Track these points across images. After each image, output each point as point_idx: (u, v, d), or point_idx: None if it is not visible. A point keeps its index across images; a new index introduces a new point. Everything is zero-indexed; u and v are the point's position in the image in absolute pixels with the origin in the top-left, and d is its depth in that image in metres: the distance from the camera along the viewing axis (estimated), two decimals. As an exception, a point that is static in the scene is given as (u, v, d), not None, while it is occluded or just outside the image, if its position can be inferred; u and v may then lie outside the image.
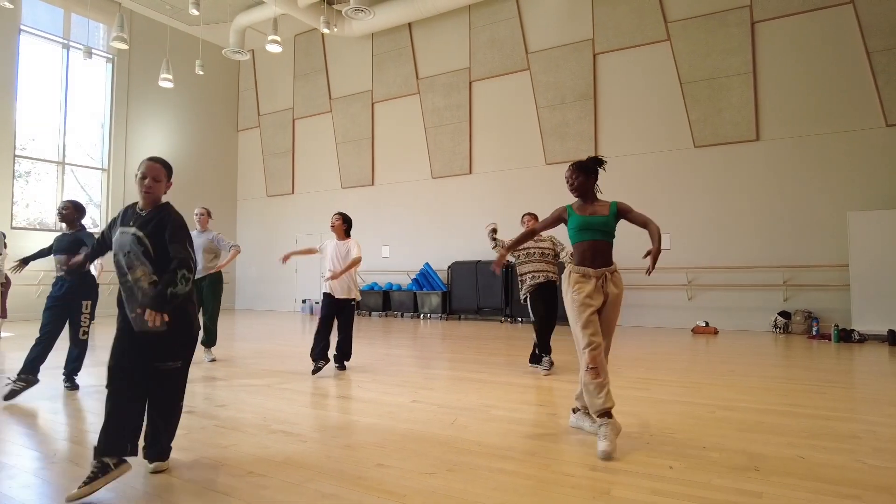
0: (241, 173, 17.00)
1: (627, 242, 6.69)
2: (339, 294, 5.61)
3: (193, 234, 6.11)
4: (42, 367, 4.50)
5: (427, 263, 12.78)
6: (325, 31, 11.48)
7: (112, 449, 2.52)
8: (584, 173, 3.52)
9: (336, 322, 5.67)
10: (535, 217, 5.69)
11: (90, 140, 13.90)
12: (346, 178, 14.72)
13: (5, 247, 8.22)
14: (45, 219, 12.91)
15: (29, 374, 4.36)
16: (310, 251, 6.03)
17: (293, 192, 15.78)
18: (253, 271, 16.29)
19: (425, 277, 12.64)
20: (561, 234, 4.25)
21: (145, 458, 2.75)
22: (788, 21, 9.76)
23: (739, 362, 6.32)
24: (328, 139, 15.04)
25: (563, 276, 3.54)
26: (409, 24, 13.54)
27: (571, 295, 3.36)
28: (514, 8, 12.20)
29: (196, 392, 4.69)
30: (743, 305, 9.96)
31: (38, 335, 4.53)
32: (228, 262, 6.24)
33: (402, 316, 13.02)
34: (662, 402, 4.30)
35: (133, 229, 2.71)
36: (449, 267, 12.45)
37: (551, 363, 5.61)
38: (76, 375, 4.75)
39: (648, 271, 3.33)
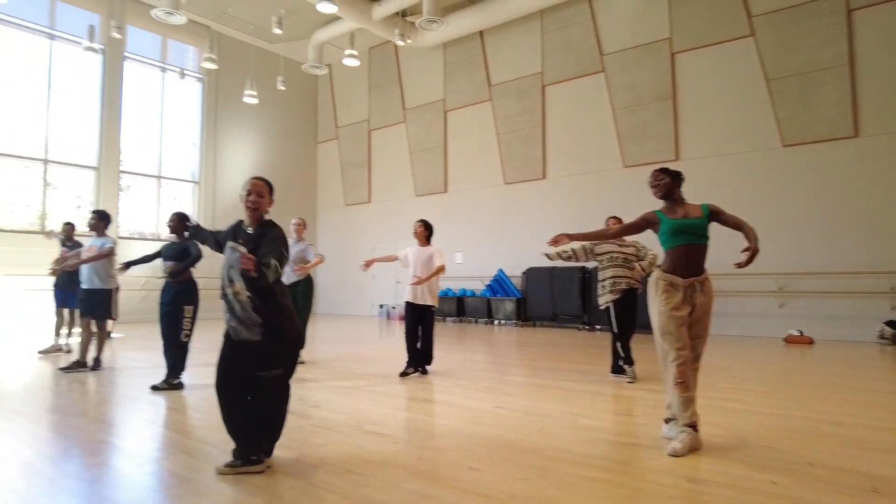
0: (320, 183, 17.70)
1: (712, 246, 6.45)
2: (418, 300, 5.75)
3: (290, 242, 6.48)
4: (155, 367, 4.89)
5: (501, 269, 12.80)
6: (400, 43, 11.79)
7: (246, 449, 2.82)
8: (671, 175, 3.47)
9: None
10: (619, 221, 5.57)
11: (183, 155, 14.92)
12: (420, 186, 15.00)
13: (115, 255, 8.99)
14: (144, 229, 13.95)
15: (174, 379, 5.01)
16: (390, 258, 6.23)
17: (369, 201, 16.25)
18: (333, 277, 16.88)
19: (499, 283, 12.66)
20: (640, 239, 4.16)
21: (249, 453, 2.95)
22: (889, 7, 9.09)
23: (842, 374, 5.93)
24: (402, 148, 15.39)
25: (649, 282, 3.47)
26: (481, 32, 13.65)
27: (659, 305, 3.30)
28: (588, 10, 12.05)
29: (292, 393, 4.94)
30: (842, 314, 9.30)
31: (162, 342, 5.01)
32: (311, 267, 6.52)
33: (475, 322, 13.09)
34: (757, 414, 4.12)
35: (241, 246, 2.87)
36: (523, 273, 12.41)
37: (635, 374, 5.48)
38: (180, 375, 5.12)
39: (741, 264, 3.23)
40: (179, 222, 5.17)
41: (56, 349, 7.45)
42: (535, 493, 2.55)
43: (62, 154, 12.60)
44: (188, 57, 15.01)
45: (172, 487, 2.68)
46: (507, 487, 2.63)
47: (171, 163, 14.57)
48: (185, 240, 5.16)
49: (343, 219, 16.95)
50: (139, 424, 3.92)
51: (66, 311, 7.63)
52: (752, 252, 3.19)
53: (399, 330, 11.64)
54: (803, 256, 9.66)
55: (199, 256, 5.15)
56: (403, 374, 5.64)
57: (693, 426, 3.16)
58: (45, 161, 12.19)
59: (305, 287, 6.53)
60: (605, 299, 5.64)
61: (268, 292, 2.86)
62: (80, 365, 5.88)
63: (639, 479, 2.74)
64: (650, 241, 4.68)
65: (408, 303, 5.81)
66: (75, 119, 12.74)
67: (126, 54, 13.43)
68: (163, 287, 5.17)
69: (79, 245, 7.42)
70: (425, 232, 5.94)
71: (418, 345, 5.79)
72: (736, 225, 3.35)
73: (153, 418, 4.08)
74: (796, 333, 9.16)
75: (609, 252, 5.66)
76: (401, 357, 6.73)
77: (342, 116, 17.00)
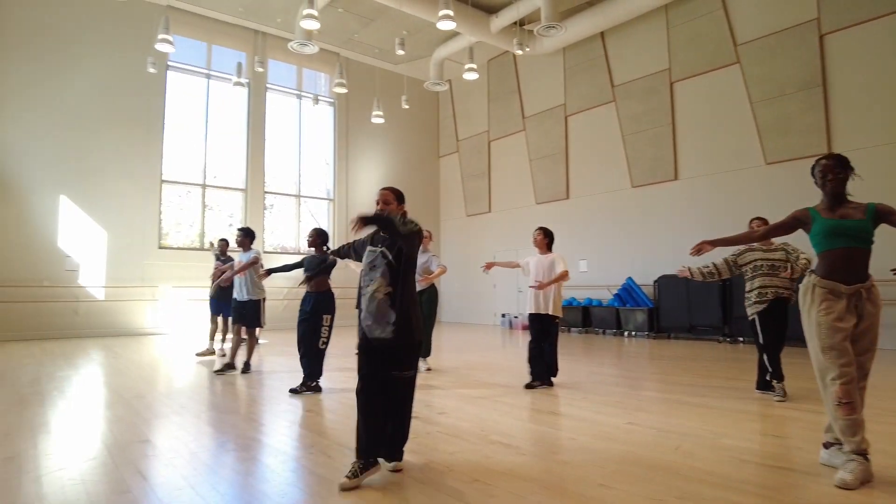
0: (442, 196, 18.16)
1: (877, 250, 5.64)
2: (541, 309, 5.63)
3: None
4: (295, 371, 5.27)
5: (630, 278, 12.23)
6: (518, 52, 11.79)
7: (369, 450, 2.90)
8: (845, 168, 3.06)
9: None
10: (765, 222, 5.04)
11: (319, 174, 16.07)
12: (541, 194, 14.82)
13: (262, 266, 9.88)
14: (287, 243, 15.18)
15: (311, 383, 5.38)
16: (512, 265, 6.22)
17: (490, 211, 16.36)
18: (456, 286, 17.19)
19: (628, 293, 12.10)
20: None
21: (383, 457, 3.07)
22: None
23: None
24: (522, 157, 15.33)
25: (801, 289, 3.11)
26: (602, 33, 13.25)
27: (817, 315, 2.94)
28: (718, 0, 11.23)
29: (418, 399, 5.07)
30: None
31: (299, 348, 5.40)
32: (435, 277, 6.70)
33: (603, 333, 12.62)
34: (946, 443, 3.53)
35: (380, 248, 3.13)
36: (655, 281, 11.75)
37: (785, 391, 4.95)
38: (317, 379, 5.45)
39: None
40: (318, 238, 5.59)
41: (209, 352, 8.34)
42: (673, 517, 2.39)
43: (217, 179, 14.14)
44: (320, 83, 16.17)
45: (313, 485, 2.86)
46: (642, 508, 2.49)
47: (308, 182, 15.76)
48: (324, 253, 5.54)
49: (465, 229, 17.22)
50: (283, 424, 4.24)
51: (219, 319, 8.56)
52: None
53: (522, 339, 11.55)
54: None
55: (333, 263, 5.51)
56: (529, 387, 5.57)
57: (863, 454, 2.78)
58: (204, 185, 13.75)
59: (430, 296, 6.73)
60: (751, 311, 5.16)
61: (404, 288, 3.05)
62: (230, 367, 6.52)
63: (795, 510, 2.46)
64: (801, 243, 4.24)
65: (531, 314, 5.72)
66: (227, 147, 14.25)
67: (268, 85, 14.78)
68: (303, 297, 5.59)
69: (230, 260, 8.27)
70: (545, 239, 5.85)
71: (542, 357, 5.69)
72: None
73: (294, 419, 4.40)
74: None
75: (753, 261, 5.18)
76: (525, 367, 6.67)
77: (462, 129, 17.34)
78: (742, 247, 5.29)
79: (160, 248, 12.74)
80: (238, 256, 6.81)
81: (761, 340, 5.09)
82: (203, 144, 13.79)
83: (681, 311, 11.14)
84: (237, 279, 6.59)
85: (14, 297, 10.96)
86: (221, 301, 8.18)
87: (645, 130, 12.54)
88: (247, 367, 6.60)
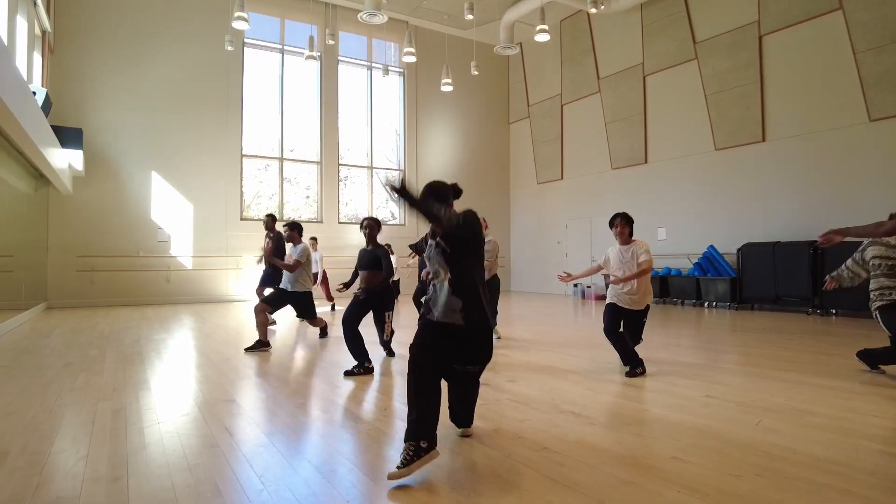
0: (513, 164, 17.89)
1: None
2: (633, 305, 4.91)
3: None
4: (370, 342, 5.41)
5: (711, 246, 11.64)
6: (592, 10, 11.27)
7: (423, 434, 2.58)
8: None
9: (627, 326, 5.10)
10: None
11: (389, 145, 16.23)
12: (617, 159, 14.28)
13: (315, 250, 10.11)
14: (359, 214, 15.52)
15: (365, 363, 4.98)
16: (592, 272, 5.45)
17: (562, 178, 15.97)
18: (526, 255, 17.05)
19: (709, 262, 11.54)
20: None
21: (453, 421, 3.11)
22: None
23: None
24: (597, 121, 14.78)
25: None
26: (684, -14, 12.42)
27: None
28: (819, -62, 10.20)
29: (489, 366, 5.11)
30: None
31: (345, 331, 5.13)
32: (490, 265, 6.44)
33: (682, 304, 12.15)
34: None
35: (437, 239, 2.92)
36: (738, 249, 11.12)
37: None
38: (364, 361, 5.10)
39: None
40: (376, 227, 5.25)
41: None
42: (751, 493, 2.29)
43: (293, 152, 14.60)
44: (390, 53, 16.19)
45: (386, 448, 2.96)
46: (717, 483, 2.40)
47: (379, 153, 15.97)
48: (377, 247, 5.25)
49: (536, 197, 16.93)
50: (359, 388, 4.40)
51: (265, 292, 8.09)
52: None
53: (595, 310, 11.32)
54: None
55: (390, 272, 5.23)
56: (632, 375, 4.72)
57: None
58: (281, 159, 14.24)
59: (492, 283, 6.54)
60: (872, 307, 4.75)
61: (466, 275, 2.84)
62: (262, 345, 6.13)
63: (890, 495, 2.29)
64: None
65: (610, 304, 4.99)
66: (302, 121, 14.64)
67: (339, 58, 14.98)
68: (357, 291, 5.30)
69: (280, 236, 8.18)
70: (626, 228, 4.94)
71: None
72: None
73: (370, 383, 4.56)
74: None
75: (875, 257, 4.70)
76: (596, 336, 6.57)
77: (534, 94, 16.90)
78: (866, 240, 4.80)
79: (242, 219, 13.39)
80: (289, 250, 6.73)
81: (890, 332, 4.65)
82: (279, 119, 14.24)
83: (766, 280, 10.51)
84: (285, 272, 6.45)
85: (115, 266, 11.92)
86: (270, 277, 8.03)
87: (730, 89, 11.73)
88: (323, 333, 6.87)
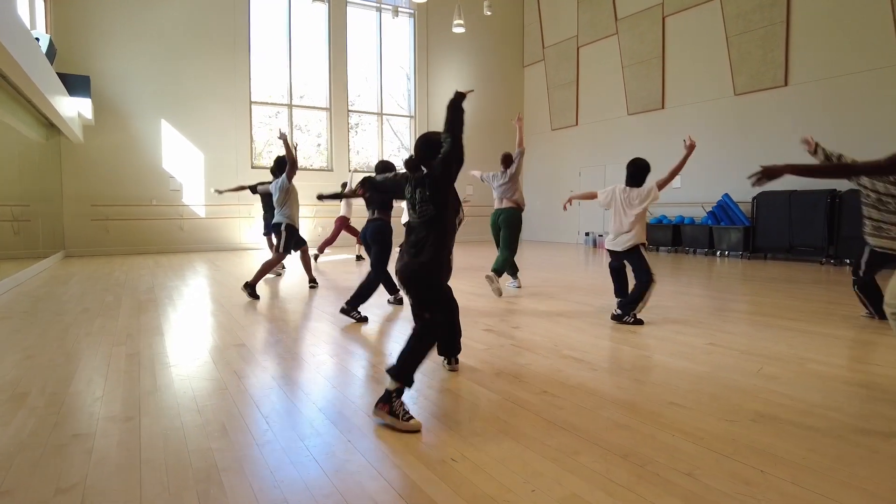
0: (526, 109, 17.48)
1: None
2: (622, 247, 4.86)
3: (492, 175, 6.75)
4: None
5: (726, 194, 11.44)
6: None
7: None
8: None
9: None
10: None
11: (399, 91, 15.92)
12: (633, 104, 13.90)
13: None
14: (371, 162, 15.42)
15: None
16: (589, 196, 5.33)
17: (577, 124, 15.63)
18: (538, 204, 16.91)
19: (723, 210, 11.37)
20: None
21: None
22: None
23: None
24: (614, 64, 14.31)
25: None
26: (709, -83, 11.71)
27: None
28: None
29: (494, 313, 5.19)
30: None
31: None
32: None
33: (694, 253, 12.06)
34: None
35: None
36: (754, 198, 10.92)
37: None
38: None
39: None
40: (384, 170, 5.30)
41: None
42: (743, 437, 2.33)
43: (303, 99, 14.39)
44: (401, -6, 15.67)
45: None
46: (711, 427, 2.44)
47: (389, 99, 15.69)
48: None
49: (550, 144, 16.63)
50: (369, 334, 4.48)
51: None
52: None
53: (605, 259, 11.30)
54: None
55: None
56: (615, 318, 4.82)
57: None
58: (290, 106, 14.06)
59: (507, 217, 6.55)
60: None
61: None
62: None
63: (885, 441, 2.32)
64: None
65: (609, 251, 5.01)
66: (310, 66, 14.35)
67: (347, 0, 14.52)
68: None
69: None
70: (639, 173, 4.98)
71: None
72: None
73: (380, 329, 4.64)
74: None
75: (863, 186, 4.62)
76: (604, 284, 6.59)
77: (549, 35, 16.34)
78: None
79: (253, 167, 13.37)
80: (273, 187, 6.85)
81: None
82: (287, 65, 13.97)
83: (781, 229, 10.37)
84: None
85: (129, 214, 12.05)
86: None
87: (754, 30, 11.23)
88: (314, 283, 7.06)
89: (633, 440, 2.31)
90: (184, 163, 12.57)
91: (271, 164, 7.12)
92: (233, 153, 13.06)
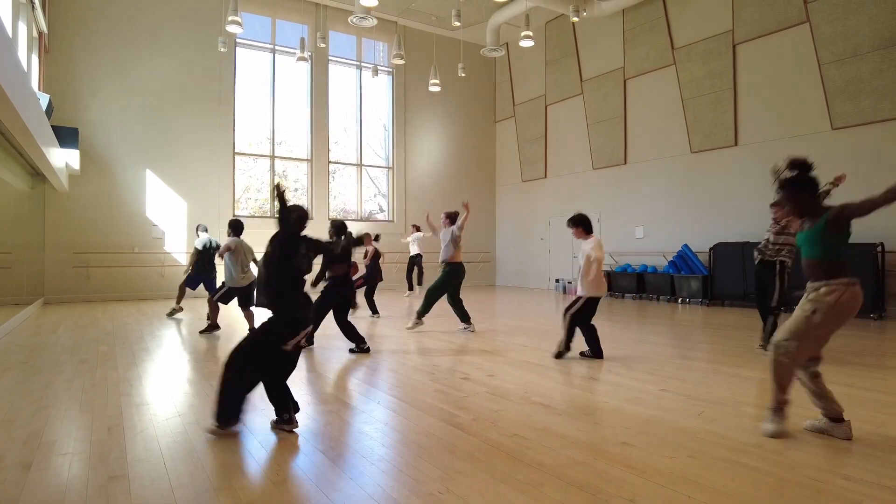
0: (498, 161, 18.38)
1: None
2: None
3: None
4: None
5: (685, 245, 12.26)
6: (575, 18, 11.74)
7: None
8: None
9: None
10: None
11: (378, 143, 16.64)
12: (598, 159, 14.82)
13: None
14: (348, 207, 15.93)
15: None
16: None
17: (545, 176, 16.50)
18: (510, 251, 17.59)
19: (683, 260, 12.15)
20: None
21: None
22: None
23: None
24: (579, 121, 15.30)
25: None
26: (663, -7, 12.92)
27: None
28: (789, -47, 10.73)
29: (470, 362, 5.63)
30: None
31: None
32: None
33: (657, 300, 12.76)
34: (966, 417, 3.73)
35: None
36: (711, 248, 11.74)
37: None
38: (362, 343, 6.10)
39: None
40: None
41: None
42: (678, 470, 2.81)
43: (281, 146, 14.97)
44: (379, 52, 16.56)
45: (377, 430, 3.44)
46: (654, 463, 2.92)
47: (368, 151, 16.37)
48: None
49: (520, 195, 17.45)
50: (347, 373, 4.87)
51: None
52: None
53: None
54: None
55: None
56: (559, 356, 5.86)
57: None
58: (272, 157, 14.59)
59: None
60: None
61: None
62: (213, 328, 7.60)
63: (791, 471, 2.81)
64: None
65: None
66: (292, 119, 14.98)
67: (329, 58, 15.31)
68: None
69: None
70: (575, 229, 5.86)
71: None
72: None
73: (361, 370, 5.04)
74: None
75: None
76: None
77: (519, 94, 17.38)
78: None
79: (234, 216, 13.72)
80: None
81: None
82: (270, 117, 14.57)
83: (736, 278, 11.14)
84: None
85: (110, 262, 12.25)
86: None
87: (705, 95, 12.30)
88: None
89: (588, 474, 2.77)
90: (166, 211, 12.89)
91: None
92: (214, 202, 13.44)
